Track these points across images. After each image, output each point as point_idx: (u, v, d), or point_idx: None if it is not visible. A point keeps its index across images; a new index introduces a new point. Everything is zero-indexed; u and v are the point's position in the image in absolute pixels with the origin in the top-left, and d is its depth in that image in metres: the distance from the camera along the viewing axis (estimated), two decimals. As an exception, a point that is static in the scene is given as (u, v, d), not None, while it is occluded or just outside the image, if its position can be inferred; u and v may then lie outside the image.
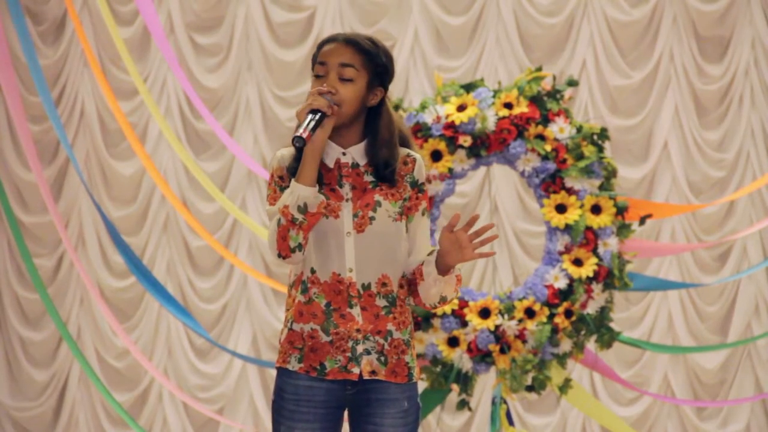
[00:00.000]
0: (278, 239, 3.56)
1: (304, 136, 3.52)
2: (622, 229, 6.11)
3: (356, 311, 3.62)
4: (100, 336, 9.17)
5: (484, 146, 6.11)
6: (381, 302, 3.64)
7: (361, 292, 3.62)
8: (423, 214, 3.72)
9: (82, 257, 9.11)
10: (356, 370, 3.61)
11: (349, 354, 3.61)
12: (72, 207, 9.20)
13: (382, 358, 3.63)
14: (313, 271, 3.63)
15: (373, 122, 3.68)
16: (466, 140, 6.08)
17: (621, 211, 6.10)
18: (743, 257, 8.99)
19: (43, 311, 9.14)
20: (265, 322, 9.06)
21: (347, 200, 3.64)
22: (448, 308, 6.03)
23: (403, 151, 3.70)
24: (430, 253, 3.68)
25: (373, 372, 3.62)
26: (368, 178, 3.67)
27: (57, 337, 9.14)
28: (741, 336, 8.90)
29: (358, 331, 3.61)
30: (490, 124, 6.07)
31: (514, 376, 6.01)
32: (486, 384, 8.48)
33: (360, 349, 3.61)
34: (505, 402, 6.10)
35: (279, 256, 3.58)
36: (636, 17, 8.98)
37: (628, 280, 6.12)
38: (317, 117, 3.55)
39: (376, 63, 3.67)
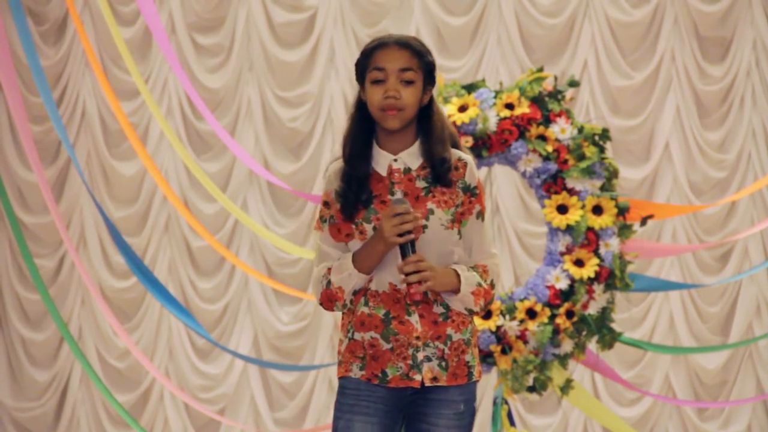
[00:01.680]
0: (323, 296, 3.66)
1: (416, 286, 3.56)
2: (624, 230, 6.11)
3: (414, 318, 3.61)
4: (101, 336, 9.17)
5: (486, 147, 6.11)
6: (438, 309, 3.63)
7: (419, 300, 3.61)
8: (478, 218, 3.68)
9: (83, 257, 9.12)
10: (418, 378, 3.61)
11: (410, 361, 3.61)
12: (73, 207, 9.20)
13: (443, 363, 3.62)
14: (372, 286, 3.63)
15: (424, 121, 3.68)
16: (467, 141, 6.08)
17: (622, 211, 6.10)
18: (744, 258, 8.99)
19: (44, 311, 9.14)
20: (266, 322, 9.06)
21: None
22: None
23: (454, 153, 3.68)
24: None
25: (434, 378, 3.62)
26: (420, 183, 3.65)
27: (58, 337, 9.14)
28: (742, 337, 8.90)
29: (417, 338, 3.60)
30: (492, 125, 6.07)
31: (515, 376, 6.01)
32: (487, 384, 8.48)
33: (421, 356, 3.61)
34: (507, 402, 6.11)
35: (321, 304, 3.69)
36: (637, 18, 8.98)
37: (630, 281, 6.12)
38: (410, 242, 3.55)
39: (427, 62, 3.67)
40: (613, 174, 6.13)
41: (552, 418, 8.96)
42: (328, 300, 3.64)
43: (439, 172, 3.64)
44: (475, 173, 3.69)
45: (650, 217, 6.21)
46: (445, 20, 9.04)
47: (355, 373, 3.64)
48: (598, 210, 6.07)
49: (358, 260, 3.61)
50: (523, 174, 6.14)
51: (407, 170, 3.66)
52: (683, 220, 8.94)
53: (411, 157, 3.66)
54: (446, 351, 3.62)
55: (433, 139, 3.66)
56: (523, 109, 6.11)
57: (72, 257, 8.72)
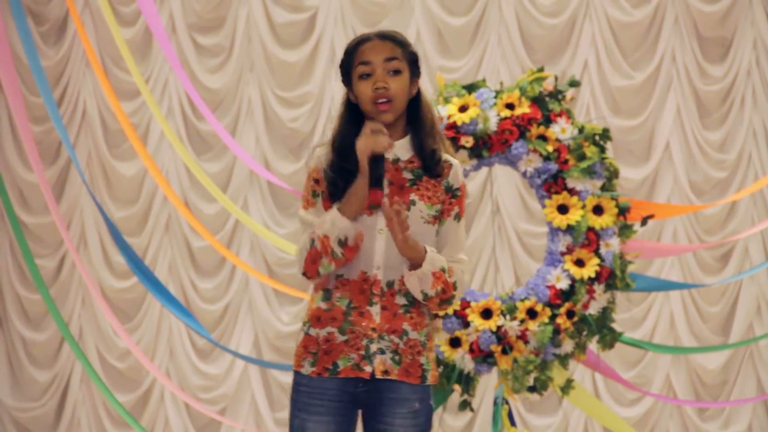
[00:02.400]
0: (307, 260, 3.59)
1: (381, 190, 3.55)
2: (624, 230, 6.11)
3: (375, 309, 3.62)
4: (101, 336, 9.17)
5: (486, 147, 6.10)
6: (401, 300, 3.64)
7: (385, 290, 3.62)
8: (455, 219, 3.70)
9: (83, 258, 9.12)
10: (368, 369, 3.61)
11: (362, 352, 3.61)
12: (74, 207, 9.20)
13: (397, 358, 3.63)
14: (338, 276, 3.63)
15: (414, 114, 3.70)
16: (467, 141, 6.08)
17: (623, 211, 6.10)
18: (745, 258, 8.99)
19: (44, 312, 9.14)
20: (266, 322, 9.06)
21: (383, 196, 3.63)
22: (450, 309, 6.03)
23: (442, 154, 3.70)
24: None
25: (385, 371, 3.62)
26: (407, 175, 3.67)
27: (59, 337, 9.14)
28: (743, 337, 8.90)
29: (373, 330, 3.61)
30: (492, 125, 6.07)
31: (516, 376, 6.01)
32: (488, 384, 8.48)
33: (374, 347, 3.61)
34: (507, 402, 6.10)
35: (303, 275, 3.62)
36: (638, 18, 8.99)
37: (630, 281, 6.12)
38: (380, 162, 3.57)
39: (411, 52, 3.71)
40: (614, 174, 6.13)
41: (553, 418, 8.96)
42: (312, 262, 3.58)
43: (429, 164, 3.67)
44: (460, 176, 3.71)
45: (651, 217, 6.21)
46: (445, 20, 9.04)
47: (306, 369, 3.65)
48: (598, 210, 6.07)
49: (340, 206, 3.60)
50: (524, 174, 6.14)
51: (396, 160, 3.68)
52: (684, 220, 8.94)
53: (401, 149, 3.69)
54: (401, 346, 3.63)
55: (423, 132, 3.69)
56: (524, 109, 6.11)
57: (72, 257, 8.73)
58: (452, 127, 6.08)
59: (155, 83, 9.13)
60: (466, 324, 6.04)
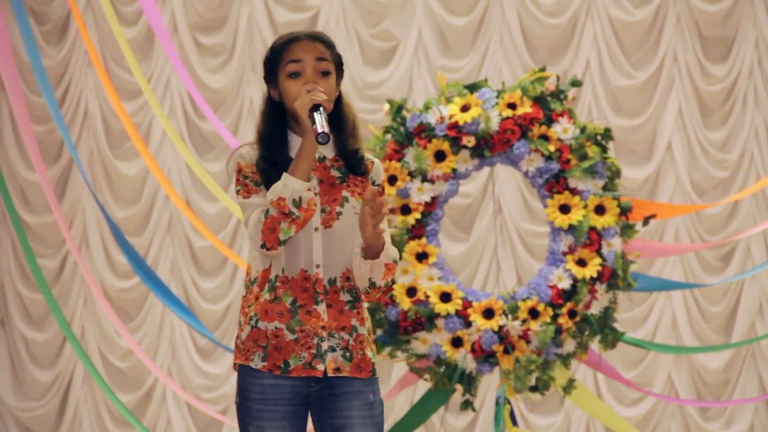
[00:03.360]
0: (265, 230, 3.52)
1: (328, 131, 3.52)
2: (626, 230, 6.11)
3: (322, 308, 3.61)
4: (103, 336, 9.17)
5: (488, 146, 6.10)
6: (345, 297, 3.64)
7: (328, 288, 3.62)
8: None
9: (85, 257, 9.12)
10: (321, 367, 3.60)
11: (314, 351, 3.60)
12: (76, 207, 9.20)
13: (348, 354, 3.62)
14: (283, 271, 3.61)
15: (336, 115, 3.69)
16: (469, 140, 6.08)
17: (625, 211, 6.10)
18: (747, 257, 8.99)
19: (46, 311, 9.14)
20: (268, 322, 9.05)
21: (315, 195, 3.63)
22: (451, 308, 6.03)
23: (363, 153, 3.72)
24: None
25: (337, 369, 3.62)
26: (335, 173, 3.68)
27: (61, 337, 9.14)
28: (745, 336, 8.90)
29: (323, 328, 3.60)
30: (494, 125, 6.07)
31: (517, 376, 6.01)
32: (490, 384, 8.48)
33: (325, 346, 3.60)
34: (509, 402, 6.10)
35: (263, 247, 3.54)
36: (640, 17, 8.98)
37: (632, 281, 6.12)
38: (321, 111, 3.55)
39: (337, 54, 3.71)
40: (616, 174, 6.13)
41: (554, 417, 8.96)
42: (270, 231, 3.52)
43: (353, 164, 3.68)
44: (382, 174, 3.74)
45: (653, 216, 6.21)
46: (447, 20, 9.04)
47: (256, 363, 3.61)
48: (600, 210, 6.07)
49: (290, 169, 3.56)
50: (526, 174, 6.14)
51: (322, 158, 3.68)
52: (686, 219, 8.94)
53: (325, 148, 3.67)
54: (351, 342, 3.63)
55: (346, 133, 3.69)
56: (526, 108, 6.10)
57: (74, 257, 8.73)
58: (454, 126, 6.08)
59: (157, 83, 9.13)
60: (468, 324, 6.04)
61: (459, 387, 6.07)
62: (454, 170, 6.11)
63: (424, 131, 6.10)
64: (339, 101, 3.70)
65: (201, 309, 9.05)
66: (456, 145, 6.08)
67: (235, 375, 9.07)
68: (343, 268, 3.64)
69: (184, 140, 9.02)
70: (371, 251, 3.59)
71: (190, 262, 9.14)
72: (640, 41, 9.03)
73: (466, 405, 6.15)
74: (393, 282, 3.73)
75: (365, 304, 3.71)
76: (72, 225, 9.17)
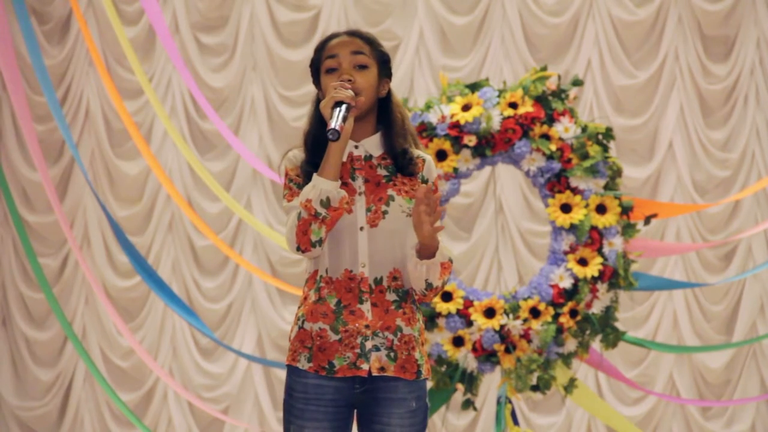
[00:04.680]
0: (298, 233, 3.54)
1: (339, 128, 3.50)
2: (627, 229, 6.11)
3: (366, 307, 3.60)
4: (105, 335, 9.18)
5: (489, 146, 6.11)
6: (391, 296, 3.62)
7: (373, 287, 3.61)
8: None
9: (87, 257, 9.12)
10: (365, 366, 3.60)
11: (358, 350, 3.59)
12: (77, 206, 9.21)
13: (392, 354, 3.61)
14: (327, 271, 3.62)
15: (384, 113, 3.70)
16: (471, 140, 6.08)
17: (626, 210, 6.10)
18: (748, 257, 8.99)
19: (48, 311, 9.15)
20: (270, 321, 9.06)
21: (360, 194, 3.63)
22: (453, 308, 6.03)
23: (413, 152, 3.71)
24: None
25: (381, 368, 3.60)
26: (381, 171, 3.67)
27: (62, 336, 9.15)
28: (746, 335, 8.90)
29: (367, 327, 3.59)
30: (495, 124, 6.07)
31: (519, 375, 6.01)
32: (491, 384, 8.48)
33: (369, 345, 3.60)
34: (510, 402, 6.11)
35: (298, 249, 3.56)
36: (641, 17, 8.98)
37: (633, 280, 6.12)
38: (344, 108, 3.54)
39: (381, 52, 3.71)
40: (617, 173, 6.13)
41: (556, 417, 8.96)
42: (303, 233, 3.54)
43: (401, 163, 3.67)
44: (434, 171, 3.73)
45: (654, 216, 6.21)
46: (448, 19, 9.04)
47: (303, 364, 3.62)
48: (601, 209, 6.07)
49: (318, 171, 3.57)
50: (527, 173, 6.14)
51: (368, 157, 3.68)
52: (687, 219, 8.94)
53: (372, 146, 3.68)
54: (395, 342, 3.62)
55: (394, 132, 3.69)
56: (527, 108, 6.11)
57: (76, 256, 8.73)
58: (455, 126, 6.08)
59: (158, 82, 9.13)
60: (469, 323, 6.04)
61: (460, 386, 6.07)
62: (455, 169, 6.11)
63: (426, 130, 6.10)
64: (388, 100, 3.71)
65: (202, 308, 9.05)
66: (457, 144, 6.09)
67: (236, 374, 9.11)
68: (390, 268, 3.63)
69: (185, 140, 9.02)
70: (426, 251, 3.58)
71: (192, 261, 9.14)
72: (642, 40, 9.03)
73: (468, 404, 6.15)
74: (448, 281, 3.71)
75: (415, 306, 3.69)
76: (73, 224, 9.17)
